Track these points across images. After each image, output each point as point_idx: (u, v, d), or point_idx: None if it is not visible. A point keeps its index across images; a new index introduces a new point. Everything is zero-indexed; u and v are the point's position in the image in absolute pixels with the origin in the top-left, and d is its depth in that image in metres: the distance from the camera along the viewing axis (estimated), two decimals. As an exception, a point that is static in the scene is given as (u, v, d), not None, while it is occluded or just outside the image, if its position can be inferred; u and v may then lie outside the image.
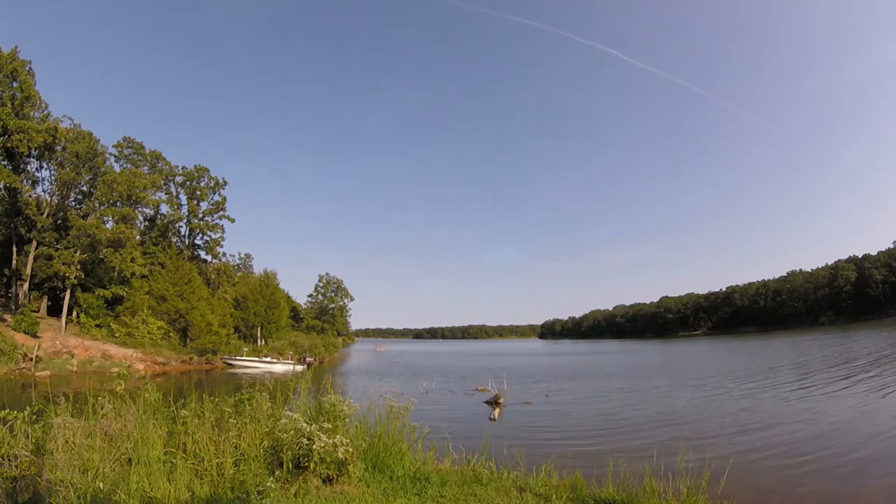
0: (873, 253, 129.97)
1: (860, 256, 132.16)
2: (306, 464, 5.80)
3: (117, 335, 42.36)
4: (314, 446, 5.77)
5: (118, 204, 44.75)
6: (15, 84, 39.58)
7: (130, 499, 4.76)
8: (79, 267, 41.49)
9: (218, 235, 60.12)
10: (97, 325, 43.17)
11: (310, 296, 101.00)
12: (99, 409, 6.25)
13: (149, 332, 43.09)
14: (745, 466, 10.84)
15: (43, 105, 43.10)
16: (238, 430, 6.15)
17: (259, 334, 56.78)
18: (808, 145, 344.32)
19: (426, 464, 7.20)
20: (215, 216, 59.40)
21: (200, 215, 58.74)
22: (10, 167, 39.73)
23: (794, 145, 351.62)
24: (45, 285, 44.84)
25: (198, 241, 60.78)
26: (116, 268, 43.85)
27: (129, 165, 52.25)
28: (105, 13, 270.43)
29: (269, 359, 47.93)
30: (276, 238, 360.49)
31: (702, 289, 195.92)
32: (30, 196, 43.65)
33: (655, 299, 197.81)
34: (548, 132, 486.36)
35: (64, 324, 41.41)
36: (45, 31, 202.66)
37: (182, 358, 43.68)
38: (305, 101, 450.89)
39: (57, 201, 45.18)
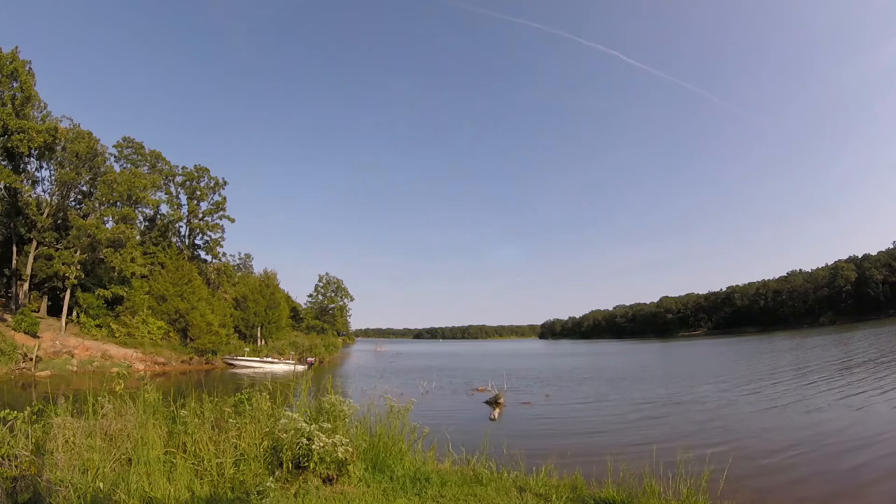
0: (873, 253, 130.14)
1: (860, 256, 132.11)
2: (306, 464, 5.80)
3: (117, 335, 42.33)
4: (314, 446, 5.77)
5: (118, 204, 44.72)
6: (15, 84, 39.57)
7: (130, 499, 4.76)
8: (79, 267, 41.48)
9: (218, 235, 60.29)
10: (97, 325, 43.14)
11: (310, 296, 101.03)
12: (99, 409, 6.25)
13: (149, 332, 43.08)
14: (745, 466, 10.83)
15: (42, 105, 43.18)
16: (238, 430, 6.15)
17: (259, 334, 56.76)
18: (808, 145, 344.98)
19: (426, 464, 7.18)
20: (215, 216, 59.52)
21: (200, 215, 58.80)
22: (10, 167, 39.71)
23: (794, 145, 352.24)
24: (45, 285, 44.81)
25: (198, 241, 60.89)
26: (116, 268, 43.86)
27: (128, 165, 52.29)
28: (105, 13, 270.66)
29: (270, 359, 48.00)
30: (276, 238, 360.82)
31: (702, 289, 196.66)
32: (30, 196, 43.63)
33: (655, 299, 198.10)
34: (549, 133, 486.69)
35: (64, 324, 41.39)
36: (46, 32, 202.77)
37: (182, 358, 43.66)
38: (305, 100, 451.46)
39: (57, 201, 45.16)
